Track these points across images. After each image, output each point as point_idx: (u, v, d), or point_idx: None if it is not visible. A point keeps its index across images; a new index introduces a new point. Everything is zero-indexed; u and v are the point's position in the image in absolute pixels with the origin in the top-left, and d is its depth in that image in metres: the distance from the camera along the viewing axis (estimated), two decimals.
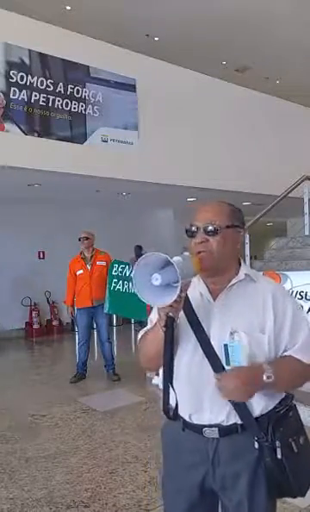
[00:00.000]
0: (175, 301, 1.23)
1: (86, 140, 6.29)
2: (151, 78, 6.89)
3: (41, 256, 9.05)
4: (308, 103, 9.44)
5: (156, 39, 8.70)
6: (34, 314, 8.75)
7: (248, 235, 6.08)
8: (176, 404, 1.38)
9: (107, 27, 7.54)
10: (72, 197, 8.23)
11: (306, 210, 6.46)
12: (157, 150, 6.85)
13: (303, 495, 1.42)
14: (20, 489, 2.93)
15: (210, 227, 1.37)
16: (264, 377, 1.30)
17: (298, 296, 4.57)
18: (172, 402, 1.38)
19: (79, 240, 5.54)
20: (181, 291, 1.24)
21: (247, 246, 6.10)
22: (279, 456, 1.32)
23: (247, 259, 6.11)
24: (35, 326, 8.71)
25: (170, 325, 1.29)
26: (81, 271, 5.47)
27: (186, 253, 1.34)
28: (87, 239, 5.49)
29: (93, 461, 3.29)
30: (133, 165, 6.55)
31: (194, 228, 1.40)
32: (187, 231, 1.42)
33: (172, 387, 1.33)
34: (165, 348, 1.32)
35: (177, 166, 6.98)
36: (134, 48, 6.92)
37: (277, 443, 1.33)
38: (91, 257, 5.51)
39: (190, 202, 8.37)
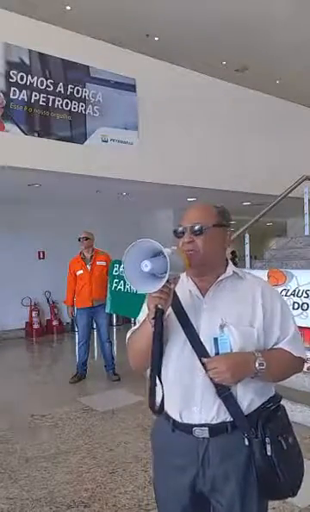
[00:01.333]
0: (163, 291, 1.27)
1: (86, 140, 6.28)
2: (151, 78, 6.88)
3: (41, 256, 9.05)
4: (308, 102, 9.44)
5: (156, 39, 8.70)
6: (34, 314, 8.75)
7: (248, 235, 6.09)
8: (163, 398, 1.37)
9: (107, 27, 7.54)
10: (72, 197, 8.23)
11: (306, 210, 6.47)
12: (157, 150, 6.85)
13: (294, 495, 1.42)
14: (20, 489, 2.93)
15: (196, 227, 1.41)
16: (257, 365, 1.32)
17: (304, 294, 4.55)
18: (159, 396, 1.38)
19: (79, 240, 5.55)
20: (169, 283, 1.28)
21: (247, 246, 6.11)
22: (269, 452, 1.33)
23: (247, 258, 6.13)
24: (35, 326, 8.71)
25: (159, 317, 1.31)
26: (81, 272, 5.48)
27: (174, 247, 1.36)
28: (87, 239, 5.49)
29: (93, 461, 3.30)
30: (133, 165, 6.54)
31: (181, 229, 1.43)
32: (175, 232, 1.45)
33: (160, 380, 1.34)
34: (154, 340, 1.33)
35: (177, 166, 6.97)
36: (134, 48, 6.91)
37: (267, 439, 1.34)
38: (91, 257, 5.52)
39: (190, 202, 8.38)
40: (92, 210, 9.01)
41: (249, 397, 1.39)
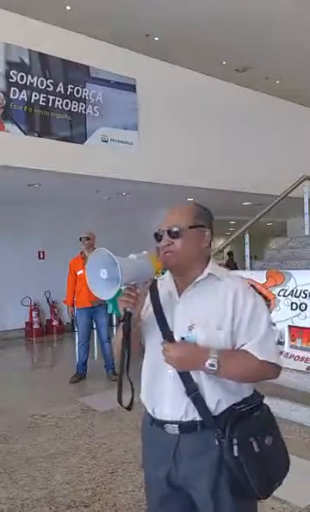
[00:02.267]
0: (130, 296, 1.37)
1: (86, 140, 6.29)
2: (151, 78, 6.88)
3: (41, 256, 9.05)
4: (308, 102, 9.44)
5: (156, 39, 8.70)
6: (34, 314, 8.75)
7: (248, 235, 6.09)
8: (132, 395, 1.44)
9: (107, 27, 7.54)
10: (72, 197, 8.23)
11: (306, 210, 6.47)
12: (156, 150, 6.85)
13: (265, 496, 1.42)
14: (20, 489, 2.93)
15: (173, 230, 1.45)
16: (207, 364, 1.34)
17: (302, 294, 4.55)
18: (127, 393, 1.43)
19: (80, 240, 5.55)
20: (135, 287, 1.37)
21: (247, 247, 6.12)
22: (235, 454, 1.33)
23: (247, 259, 6.13)
24: (35, 326, 8.70)
25: (126, 320, 1.39)
26: (81, 272, 5.47)
27: (144, 252, 1.42)
28: (88, 239, 5.50)
29: (93, 461, 3.30)
30: (132, 165, 6.54)
31: (160, 232, 1.48)
32: (155, 235, 1.50)
33: (128, 378, 1.41)
34: (122, 341, 1.41)
35: (177, 166, 6.98)
36: (134, 48, 6.91)
37: (235, 440, 1.34)
38: None
39: (190, 202, 8.35)
40: (92, 210, 9.02)
41: (217, 397, 1.40)
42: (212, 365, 1.33)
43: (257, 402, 1.46)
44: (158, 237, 1.48)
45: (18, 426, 4.05)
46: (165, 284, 1.53)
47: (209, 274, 1.47)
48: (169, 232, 1.45)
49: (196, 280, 1.47)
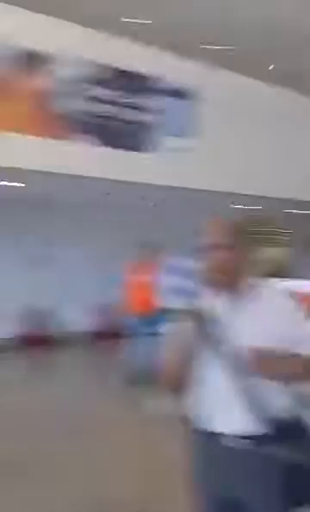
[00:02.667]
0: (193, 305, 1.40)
1: (151, 149, 6.38)
2: (212, 86, 6.81)
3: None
4: None
5: (216, 47, 8.58)
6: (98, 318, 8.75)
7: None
8: (196, 407, 1.47)
9: (168, 35, 7.52)
10: (121, 203, 8.21)
11: None
12: (218, 157, 6.79)
13: None
14: (72, 492, 2.95)
15: (220, 244, 1.48)
16: (284, 366, 1.41)
17: None
18: (201, 410, 1.46)
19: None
20: (196, 298, 1.42)
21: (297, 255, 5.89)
22: (299, 461, 1.36)
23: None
24: (99, 329, 8.65)
25: (199, 321, 1.44)
26: (145, 278, 5.44)
27: (201, 266, 1.47)
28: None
29: (146, 466, 3.32)
30: (194, 172, 6.52)
31: (205, 245, 1.49)
32: (198, 248, 1.50)
33: (187, 387, 1.45)
34: (182, 352, 1.46)
35: (238, 172, 6.87)
36: (192, 56, 6.90)
37: (297, 447, 1.37)
38: None
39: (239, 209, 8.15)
40: (137, 217, 8.77)
41: (276, 406, 1.41)
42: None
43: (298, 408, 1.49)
44: (202, 250, 1.50)
45: (68, 428, 4.03)
46: (211, 298, 1.53)
47: (252, 288, 1.52)
48: (217, 245, 1.48)
49: (244, 292, 1.51)
